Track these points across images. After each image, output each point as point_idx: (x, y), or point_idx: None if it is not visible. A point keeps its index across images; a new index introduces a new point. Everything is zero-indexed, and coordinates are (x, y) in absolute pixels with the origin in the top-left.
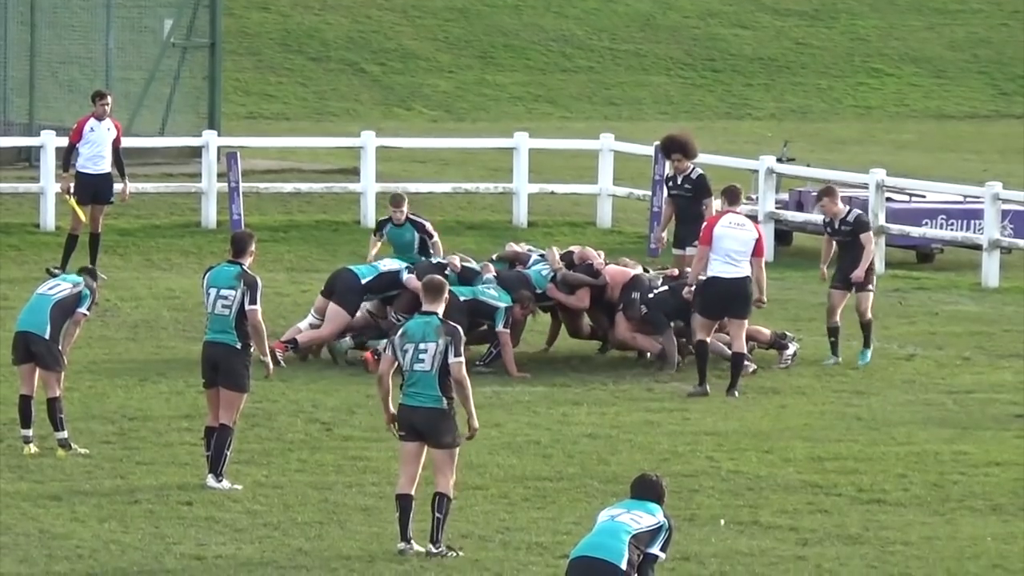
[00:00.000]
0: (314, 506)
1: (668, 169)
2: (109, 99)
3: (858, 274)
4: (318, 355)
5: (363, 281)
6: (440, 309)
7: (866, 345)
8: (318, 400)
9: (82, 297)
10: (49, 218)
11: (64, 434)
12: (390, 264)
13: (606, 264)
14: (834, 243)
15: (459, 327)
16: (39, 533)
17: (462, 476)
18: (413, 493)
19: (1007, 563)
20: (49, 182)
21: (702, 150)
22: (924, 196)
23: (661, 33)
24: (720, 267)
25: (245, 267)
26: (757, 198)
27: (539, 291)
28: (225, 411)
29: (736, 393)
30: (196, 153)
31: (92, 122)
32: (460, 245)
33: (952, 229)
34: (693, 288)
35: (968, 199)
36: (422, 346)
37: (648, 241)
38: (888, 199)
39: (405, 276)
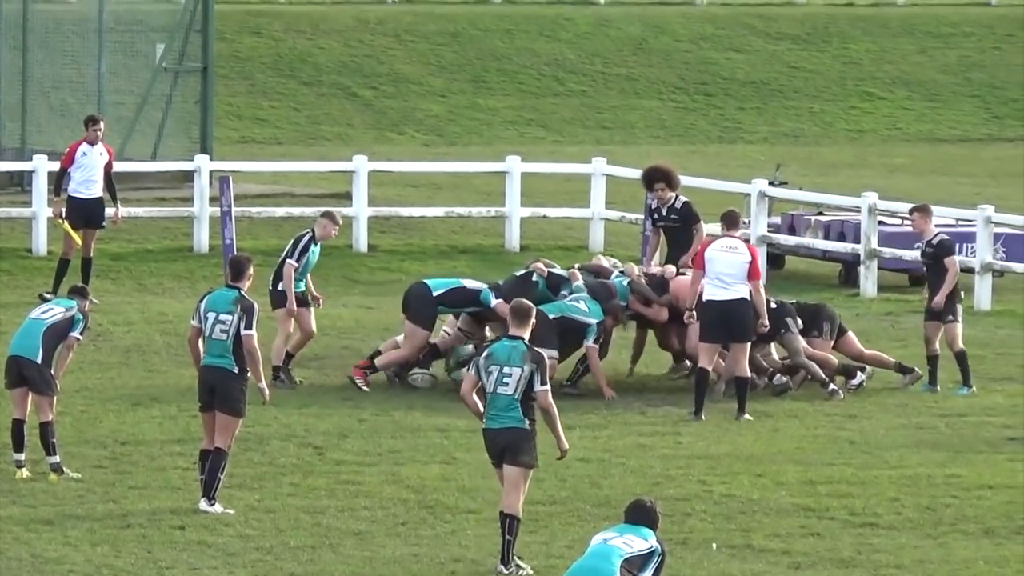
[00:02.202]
0: (306, 530)
1: (652, 201)
2: (102, 124)
3: (938, 301)
4: (404, 379)
5: (435, 294)
6: (527, 334)
7: (964, 380)
8: (310, 424)
9: (75, 321)
10: (41, 243)
11: (56, 459)
12: (471, 283)
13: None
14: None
15: (544, 355)
16: (31, 558)
17: (455, 500)
18: (519, 516)
19: None
20: (41, 207)
21: (695, 174)
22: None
23: (653, 57)
24: (712, 290)
25: (243, 292)
26: (749, 222)
27: (623, 303)
28: (221, 435)
29: (746, 416)
30: (188, 177)
31: (84, 147)
32: (453, 270)
33: None
34: (693, 315)
35: (960, 222)
36: (507, 370)
37: (640, 257)
38: (880, 223)
39: (494, 302)
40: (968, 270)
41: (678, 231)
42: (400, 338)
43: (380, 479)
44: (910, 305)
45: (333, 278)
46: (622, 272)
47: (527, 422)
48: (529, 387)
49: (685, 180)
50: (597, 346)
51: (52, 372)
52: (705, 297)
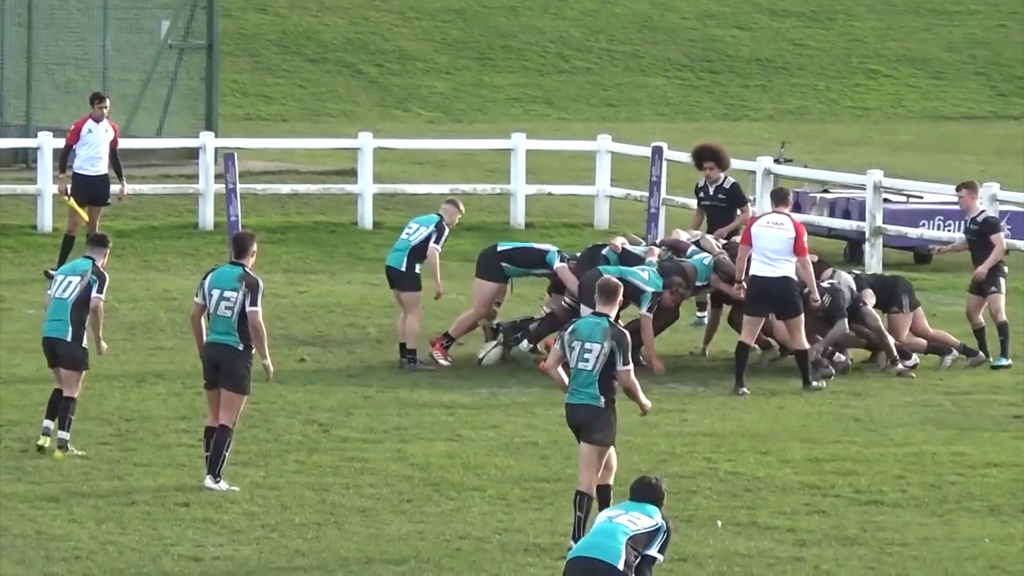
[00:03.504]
0: (311, 507)
1: (700, 179)
2: (107, 101)
3: (980, 271)
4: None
5: (499, 249)
6: (613, 312)
7: (1003, 351)
8: (315, 401)
9: (91, 285)
10: (46, 219)
11: (66, 435)
12: (540, 245)
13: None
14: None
15: (627, 335)
16: (36, 535)
17: (460, 477)
18: (592, 493)
19: (1005, 564)
20: (46, 183)
21: None
22: (921, 197)
23: (658, 34)
24: (758, 266)
25: (247, 268)
26: (755, 199)
27: (701, 283)
28: (225, 412)
29: (814, 384)
30: (193, 154)
31: (90, 124)
32: (457, 247)
33: (950, 230)
34: (743, 287)
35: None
36: (588, 345)
37: (646, 242)
38: (885, 200)
39: (556, 264)
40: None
41: (723, 212)
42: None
43: (385, 456)
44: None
45: (338, 255)
46: (697, 244)
47: (603, 400)
48: (610, 364)
49: (689, 158)
50: (651, 315)
51: (84, 347)
52: (752, 272)
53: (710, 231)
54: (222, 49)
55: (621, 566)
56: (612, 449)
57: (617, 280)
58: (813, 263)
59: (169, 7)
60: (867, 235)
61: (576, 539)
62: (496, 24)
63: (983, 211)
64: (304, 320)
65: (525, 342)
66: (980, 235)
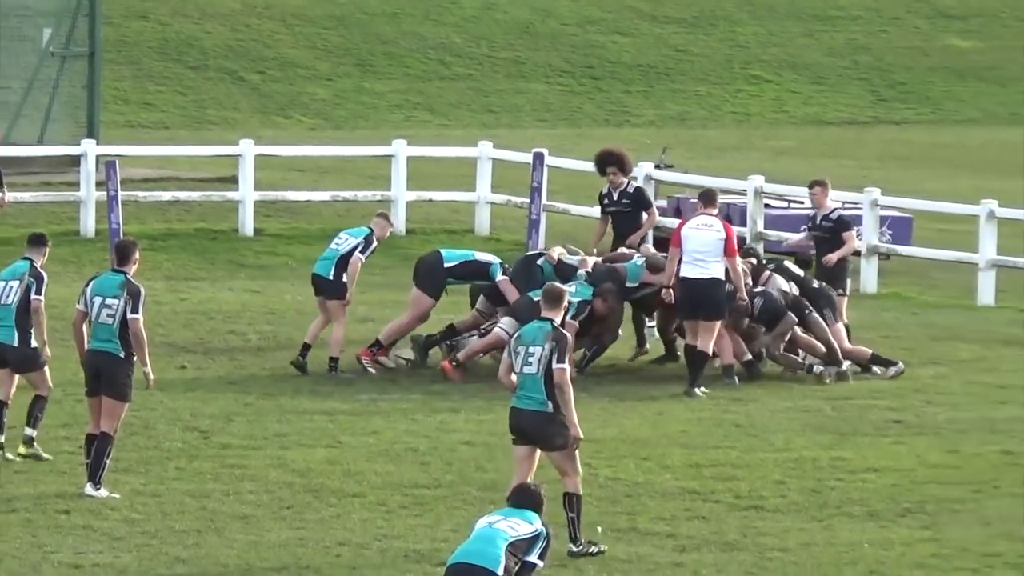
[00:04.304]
0: (192, 514)
1: (603, 186)
2: None
3: (830, 258)
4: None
5: (446, 265)
6: (557, 317)
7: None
8: (196, 408)
9: (29, 287)
10: None
11: (33, 432)
12: (483, 256)
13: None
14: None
15: (567, 336)
16: None
17: (340, 483)
18: (579, 492)
19: (884, 569)
20: None
21: (580, 157)
22: (803, 202)
23: (540, 40)
24: (687, 268)
25: (129, 276)
26: None
27: (632, 284)
28: (106, 419)
29: (698, 391)
30: (75, 162)
31: None
32: None
33: None
34: (671, 293)
35: (847, 205)
36: (531, 349)
37: (527, 249)
38: (767, 205)
39: (499, 277)
40: (854, 253)
41: (628, 217)
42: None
43: (265, 463)
44: None
45: (219, 262)
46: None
47: (550, 404)
48: (550, 364)
49: (570, 164)
50: (575, 323)
51: (34, 347)
52: (681, 274)
53: (616, 237)
54: (104, 57)
55: (501, 572)
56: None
57: (562, 287)
58: (752, 266)
59: (51, 15)
60: (748, 240)
61: (574, 540)
62: (377, 31)
63: (835, 208)
64: (185, 327)
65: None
66: (833, 232)
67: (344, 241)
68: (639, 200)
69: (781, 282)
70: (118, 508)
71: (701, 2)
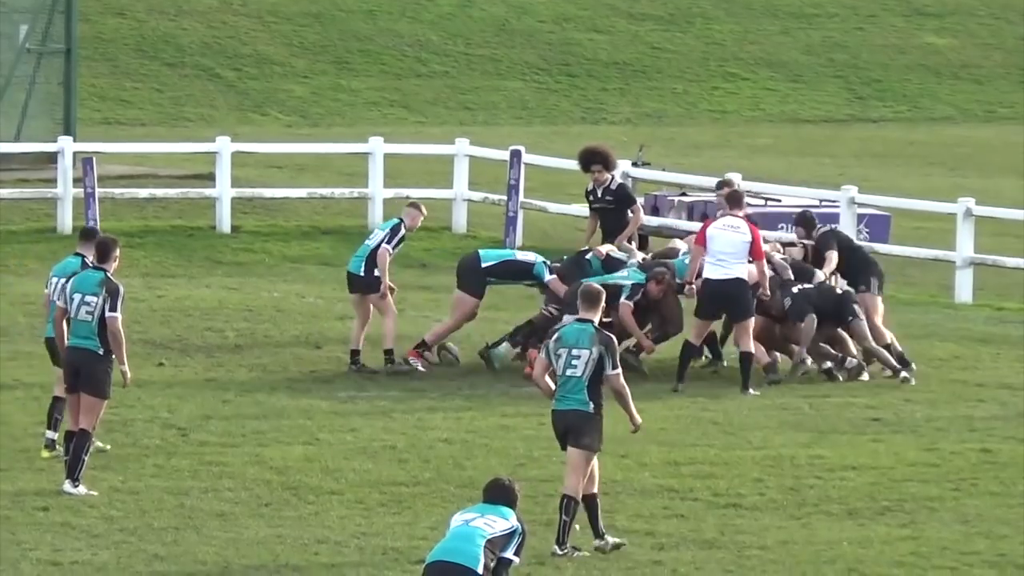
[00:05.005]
0: (170, 511)
1: (588, 183)
2: None
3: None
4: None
5: (483, 265)
6: (596, 317)
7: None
8: (174, 406)
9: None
10: None
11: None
12: (524, 255)
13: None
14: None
15: (615, 339)
16: None
17: (318, 481)
18: (579, 498)
19: (863, 567)
20: None
21: (557, 154)
22: (780, 200)
23: (516, 38)
24: (711, 269)
25: (109, 273)
26: None
27: (680, 280)
28: (85, 416)
29: (751, 391)
30: (52, 159)
31: None
32: (315, 251)
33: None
34: (693, 288)
35: (824, 203)
36: (575, 352)
37: (504, 246)
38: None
39: (547, 276)
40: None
41: (614, 213)
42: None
43: (244, 460)
44: None
45: (197, 259)
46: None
47: (592, 406)
48: (599, 369)
49: (547, 161)
50: (630, 303)
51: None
52: (704, 275)
53: (604, 234)
54: (80, 53)
55: (480, 569)
56: (596, 457)
57: (599, 286)
58: (794, 261)
59: (27, 11)
60: None
61: (560, 543)
62: (354, 28)
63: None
64: (162, 324)
65: (506, 344)
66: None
67: (374, 235)
68: (623, 197)
69: (825, 280)
70: (96, 505)
71: (677, 0)
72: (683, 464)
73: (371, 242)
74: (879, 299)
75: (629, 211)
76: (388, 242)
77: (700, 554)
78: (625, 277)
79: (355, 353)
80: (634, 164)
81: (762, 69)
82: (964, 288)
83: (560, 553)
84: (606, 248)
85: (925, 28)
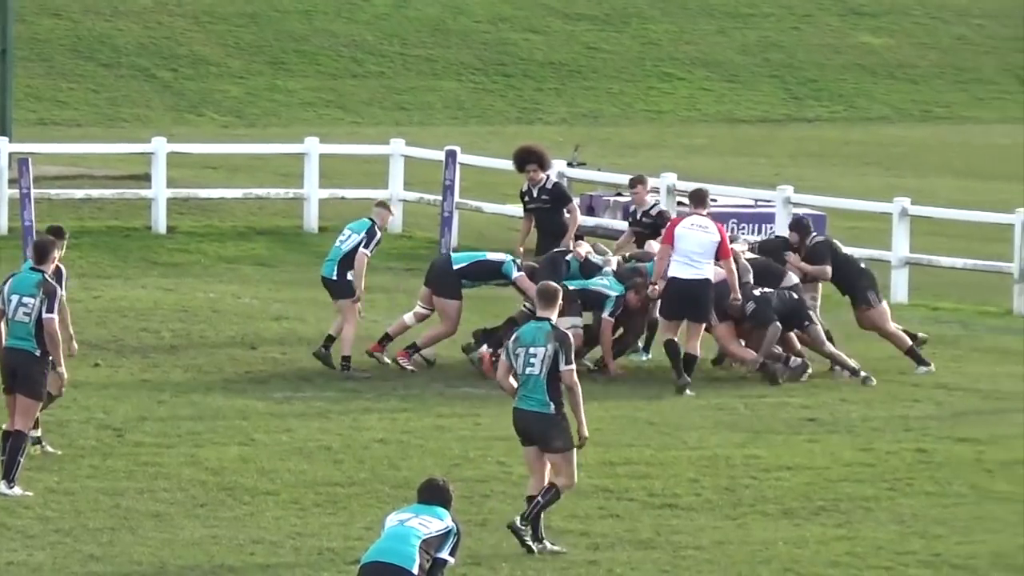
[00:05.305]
0: (105, 512)
1: (523, 184)
2: None
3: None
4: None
5: (455, 267)
6: (553, 315)
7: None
8: (109, 406)
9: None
10: None
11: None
12: (495, 255)
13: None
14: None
15: (570, 335)
16: None
17: (253, 481)
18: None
19: (799, 567)
20: None
21: (493, 155)
22: (715, 200)
23: (452, 38)
24: (679, 268)
25: (47, 275)
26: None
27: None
28: (21, 417)
29: (688, 392)
30: None
31: None
32: (251, 252)
33: (743, 232)
34: (656, 289)
35: (760, 203)
36: (532, 350)
37: (439, 247)
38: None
39: (515, 274)
40: None
41: (549, 213)
42: (408, 316)
43: (179, 461)
44: None
45: (132, 260)
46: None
47: (552, 406)
48: (555, 366)
49: (483, 162)
50: (612, 320)
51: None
52: (670, 273)
53: (540, 233)
54: (16, 54)
55: (415, 570)
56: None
57: (556, 285)
58: (764, 263)
59: None
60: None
61: (524, 518)
62: (289, 28)
63: (655, 204)
64: (98, 325)
65: (484, 346)
66: (654, 228)
67: (347, 238)
68: (559, 195)
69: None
70: (32, 506)
71: (612, 0)
72: (618, 464)
73: (342, 245)
74: (884, 304)
75: (565, 210)
76: (366, 246)
77: (636, 554)
78: (607, 286)
79: (330, 338)
80: (569, 164)
81: (698, 69)
82: (900, 288)
83: (518, 526)
84: (584, 249)
85: (861, 28)
